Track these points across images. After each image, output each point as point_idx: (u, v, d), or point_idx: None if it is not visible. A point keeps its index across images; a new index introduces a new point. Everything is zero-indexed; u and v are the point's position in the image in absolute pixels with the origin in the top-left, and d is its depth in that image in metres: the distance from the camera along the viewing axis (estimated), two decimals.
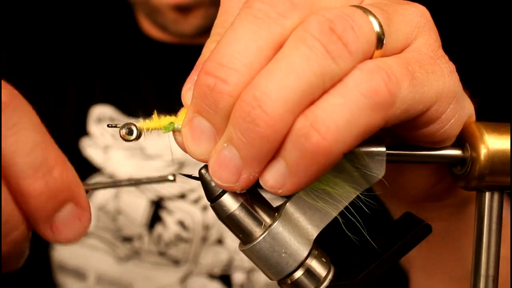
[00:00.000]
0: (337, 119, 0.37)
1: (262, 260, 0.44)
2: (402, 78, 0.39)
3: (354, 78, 0.38)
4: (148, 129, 0.46)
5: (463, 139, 0.49)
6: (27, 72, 1.11)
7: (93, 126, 1.06)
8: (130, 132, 0.45)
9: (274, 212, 0.45)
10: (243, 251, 0.45)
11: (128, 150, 1.05)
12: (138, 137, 0.45)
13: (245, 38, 0.38)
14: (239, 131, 0.37)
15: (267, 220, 0.44)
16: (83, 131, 1.06)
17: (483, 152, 0.48)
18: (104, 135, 1.05)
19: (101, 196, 1.04)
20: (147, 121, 0.46)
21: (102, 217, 1.05)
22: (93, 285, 1.04)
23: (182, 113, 0.44)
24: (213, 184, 0.45)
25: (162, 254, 1.04)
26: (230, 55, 0.38)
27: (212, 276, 1.04)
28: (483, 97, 0.56)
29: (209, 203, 0.45)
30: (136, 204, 1.04)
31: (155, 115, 0.46)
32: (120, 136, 0.44)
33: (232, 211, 0.44)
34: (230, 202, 0.44)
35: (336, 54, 0.37)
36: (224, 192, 0.44)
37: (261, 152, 0.38)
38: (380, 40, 0.39)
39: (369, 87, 0.37)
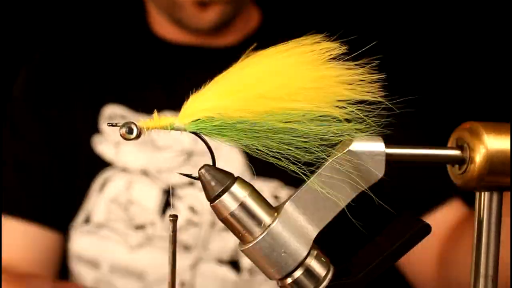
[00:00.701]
0: None
1: (262, 260, 0.45)
2: None
3: None
4: (148, 128, 0.46)
5: (462, 139, 0.50)
6: (45, 76, 1.16)
7: (104, 124, 1.11)
8: (130, 131, 0.45)
9: (274, 211, 0.45)
10: (242, 250, 0.45)
11: (139, 143, 1.09)
12: (138, 136, 0.45)
13: None
14: None
15: (267, 219, 0.45)
16: (95, 129, 1.10)
17: (482, 152, 0.48)
18: (115, 132, 1.08)
19: (113, 189, 1.08)
20: (147, 120, 0.46)
21: (114, 209, 1.08)
22: (107, 273, 1.08)
23: (182, 112, 0.44)
24: (212, 184, 0.45)
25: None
26: None
27: (221, 261, 1.06)
28: (483, 97, 0.56)
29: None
30: (148, 194, 1.07)
31: (155, 115, 0.46)
32: (120, 135, 0.45)
33: (231, 210, 0.44)
34: (229, 202, 0.44)
35: None
36: (223, 191, 0.45)
37: None
38: None
39: None
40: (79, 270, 1.10)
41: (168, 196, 1.08)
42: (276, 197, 1.04)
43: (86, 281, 1.09)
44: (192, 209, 1.06)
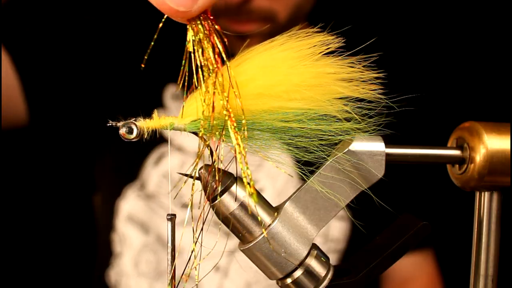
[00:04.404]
0: None
1: (262, 260, 0.45)
2: None
3: None
4: (148, 128, 0.46)
5: (462, 139, 0.50)
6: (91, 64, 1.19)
7: (169, 101, 1.16)
8: (130, 131, 0.45)
9: (274, 211, 0.45)
10: (242, 250, 0.45)
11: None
12: (139, 136, 0.45)
13: None
14: None
15: (267, 219, 0.45)
16: (159, 104, 1.16)
17: (482, 152, 0.48)
18: (178, 109, 1.12)
19: (166, 165, 1.13)
20: (147, 120, 0.46)
21: (165, 184, 1.13)
22: (154, 241, 1.12)
23: (182, 112, 0.44)
24: (212, 184, 0.45)
25: (217, 224, 1.10)
26: None
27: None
28: (483, 97, 0.56)
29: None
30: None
31: (155, 114, 0.46)
32: (120, 135, 0.44)
33: (232, 210, 0.44)
34: (230, 202, 0.44)
35: None
36: (224, 191, 0.44)
37: None
38: None
39: None
40: (128, 231, 1.15)
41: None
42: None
43: (134, 243, 1.14)
44: None
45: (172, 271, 0.46)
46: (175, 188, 1.09)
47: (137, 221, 1.14)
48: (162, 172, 1.14)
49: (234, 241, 1.06)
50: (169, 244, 0.47)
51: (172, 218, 0.47)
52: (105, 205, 1.18)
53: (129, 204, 1.14)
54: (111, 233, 1.17)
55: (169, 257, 0.47)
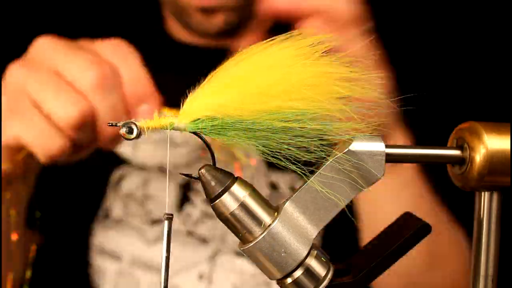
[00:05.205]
0: None
1: (262, 259, 0.45)
2: None
3: None
4: (148, 128, 0.46)
5: (462, 139, 0.50)
6: None
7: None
8: (130, 131, 0.45)
9: (274, 211, 0.45)
10: (243, 250, 0.45)
11: (157, 141, 1.13)
12: (138, 135, 0.45)
13: None
14: None
15: (267, 219, 0.45)
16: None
17: (482, 152, 0.48)
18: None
19: (129, 185, 1.11)
20: (147, 120, 0.46)
21: (130, 204, 1.11)
22: (128, 266, 1.11)
23: (182, 112, 0.44)
24: (212, 184, 0.45)
25: (190, 233, 1.10)
26: None
27: (239, 253, 1.08)
28: (483, 97, 0.56)
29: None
30: (165, 189, 1.11)
31: (155, 114, 0.46)
32: (121, 135, 0.44)
33: (232, 210, 0.44)
34: (230, 202, 0.44)
35: None
36: (224, 191, 0.44)
37: None
38: None
39: None
40: (101, 262, 1.13)
41: (185, 191, 1.11)
42: (293, 189, 1.04)
43: (108, 273, 1.12)
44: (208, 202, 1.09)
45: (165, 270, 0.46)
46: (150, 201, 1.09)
47: (108, 251, 1.13)
48: (124, 193, 1.12)
49: (211, 246, 1.07)
50: (165, 244, 0.47)
51: (169, 217, 0.47)
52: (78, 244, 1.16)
53: (98, 239, 1.13)
54: (88, 269, 1.16)
55: (164, 258, 0.46)
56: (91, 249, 1.15)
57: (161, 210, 1.11)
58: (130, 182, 1.11)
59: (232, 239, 1.08)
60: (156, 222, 1.11)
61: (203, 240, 1.10)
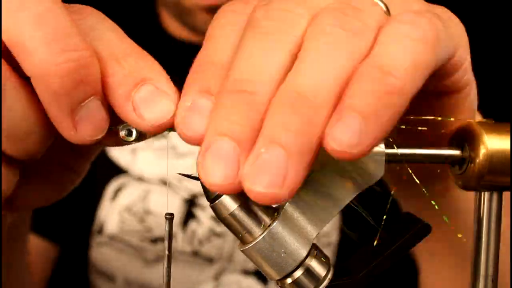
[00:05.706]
0: (402, 60, 0.37)
1: (262, 260, 0.45)
2: (435, 20, 0.40)
3: (398, 27, 0.38)
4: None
5: (462, 139, 0.50)
6: None
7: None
8: (129, 133, 0.44)
9: (274, 211, 0.45)
10: (242, 251, 0.45)
11: (158, 150, 1.06)
12: (138, 138, 0.45)
13: (260, 55, 0.37)
14: (285, 129, 0.35)
15: (267, 220, 0.45)
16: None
17: (482, 152, 0.48)
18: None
19: (127, 198, 1.05)
20: None
21: (128, 220, 1.05)
22: (122, 286, 1.05)
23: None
24: None
25: (195, 253, 1.05)
26: (252, 71, 0.37)
27: (246, 272, 1.04)
28: (483, 97, 0.56)
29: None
30: (168, 204, 1.05)
31: None
32: (120, 137, 0.44)
33: (231, 211, 0.44)
34: (229, 202, 0.44)
35: (356, 30, 0.38)
36: None
37: (311, 142, 0.35)
38: (387, 10, 0.41)
39: (417, 29, 0.38)
40: (96, 281, 1.07)
41: (190, 206, 1.04)
42: None
43: None
44: (215, 219, 1.02)
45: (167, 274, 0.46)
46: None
47: (101, 270, 1.07)
48: (122, 206, 1.05)
49: (217, 265, 1.01)
50: (166, 245, 0.47)
51: (170, 217, 0.47)
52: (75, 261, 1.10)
53: (92, 255, 1.07)
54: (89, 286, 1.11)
55: (165, 262, 0.46)
56: (88, 267, 1.09)
57: (163, 227, 1.06)
58: (128, 195, 1.05)
59: (240, 258, 1.03)
60: (157, 240, 1.04)
61: (209, 260, 1.04)
